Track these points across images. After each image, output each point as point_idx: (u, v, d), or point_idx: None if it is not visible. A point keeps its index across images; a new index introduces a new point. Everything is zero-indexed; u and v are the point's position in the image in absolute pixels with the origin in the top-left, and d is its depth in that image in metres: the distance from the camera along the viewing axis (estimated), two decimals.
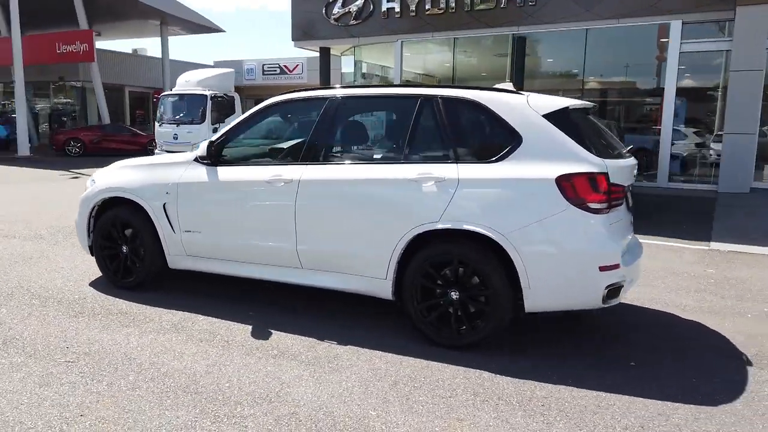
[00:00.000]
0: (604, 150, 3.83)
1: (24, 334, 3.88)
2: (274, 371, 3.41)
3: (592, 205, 3.54)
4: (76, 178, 14.13)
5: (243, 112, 7.89)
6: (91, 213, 5.01)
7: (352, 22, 15.88)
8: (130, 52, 33.88)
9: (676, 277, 5.73)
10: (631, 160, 4.07)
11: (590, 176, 3.53)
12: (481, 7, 14.20)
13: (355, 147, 4.32)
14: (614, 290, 3.60)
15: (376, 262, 3.94)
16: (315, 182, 4.12)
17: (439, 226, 3.72)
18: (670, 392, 3.24)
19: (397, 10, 15.15)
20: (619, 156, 3.96)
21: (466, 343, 3.75)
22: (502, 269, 3.61)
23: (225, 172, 4.45)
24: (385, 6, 15.30)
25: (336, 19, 16.14)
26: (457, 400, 3.11)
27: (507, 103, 3.80)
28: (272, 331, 4.04)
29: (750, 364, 3.67)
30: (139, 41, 34.95)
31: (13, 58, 19.70)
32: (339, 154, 4.27)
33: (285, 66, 30.98)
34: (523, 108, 3.74)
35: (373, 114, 4.45)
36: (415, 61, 16.72)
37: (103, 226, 4.93)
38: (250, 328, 4.09)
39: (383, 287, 3.97)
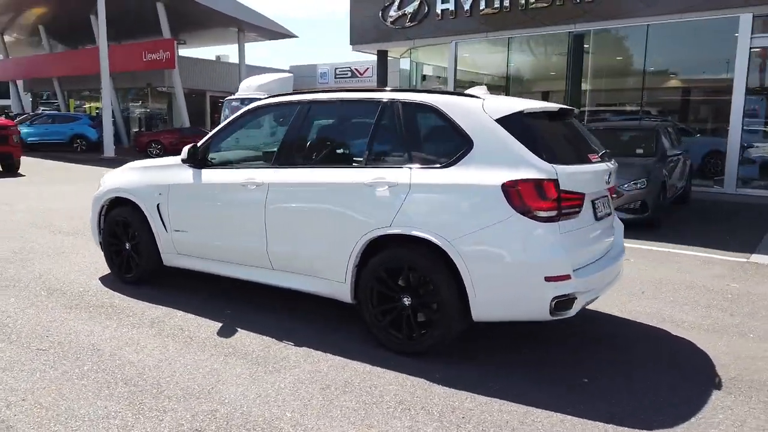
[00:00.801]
0: (564, 155, 3.66)
1: (17, 322, 4.23)
2: (218, 369, 3.53)
3: (539, 213, 3.39)
4: None
5: None
6: (100, 212, 5.37)
7: (408, 24, 15.93)
8: (214, 58, 35.71)
9: (690, 290, 5.34)
10: (601, 166, 3.86)
11: (537, 183, 3.39)
12: (537, 5, 13.80)
13: (322, 151, 4.37)
14: (564, 302, 3.43)
15: (336, 266, 3.97)
16: (282, 185, 4.21)
17: (391, 231, 3.70)
18: (610, 412, 3.05)
19: (452, 10, 15.04)
20: (584, 161, 3.77)
21: (416, 350, 3.70)
22: (450, 277, 3.54)
23: (208, 175, 4.64)
24: (439, 7, 15.22)
25: (392, 22, 16.24)
26: (380, 408, 3.09)
27: (461, 107, 3.72)
28: (239, 329, 4.17)
29: (719, 387, 3.38)
30: (222, 48, 36.54)
31: (100, 67, 21.25)
32: (306, 158, 4.33)
33: (356, 69, 31.48)
34: (477, 112, 3.64)
35: (339, 118, 4.47)
36: (470, 62, 16.51)
37: (109, 224, 5.28)
38: (219, 325, 4.23)
39: (343, 291, 3.99)
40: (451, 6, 15.02)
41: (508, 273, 3.44)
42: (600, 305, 4.85)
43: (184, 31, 31.35)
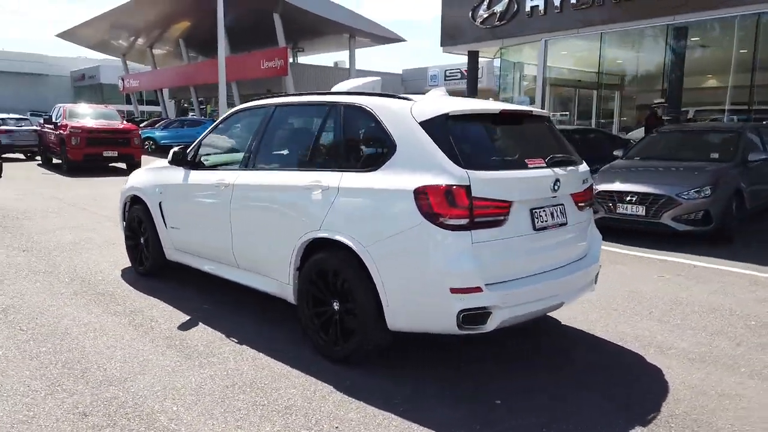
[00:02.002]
0: (489, 160, 3.44)
1: (23, 305, 4.75)
2: (151, 359, 3.72)
3: (448, 221, 3.19)
4: None
5: None
6: (124, 208, 5.88)
7: (497, 23, 15.50)
8: (332, 65, 37.24)
9: (709, 314, 4.70)
10: (543, 172, 3.54)
11: (447, 189, 3.19)
12: None
13: (277, 154, 4.43)
14: (475, 316, 3.20)
15: (281, 267, 4.03)
16: (243, 187, 4.34)
17: (320, 234, 3.68)
18: None
19: (541, 8, 14.40)
20: (518, 167, 3.48)
21: (339, 356, 3.64)
22: (366, 283, 3.44)
23: (194, 176, 4.90)
24: (528, 5, 14.65)
25: (481, 22, 15.90)
26: (264, 410, 3.09)
27: (390, 110, 3.60)
28: (200, 323, 4.36)
29: (645, 424, 2.96)
30: (340, 55, 37.95)
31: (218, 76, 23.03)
32: (265, 161, 4.42)
33: (465, 71, 31.12)
34: (404, 115, 3.51)
35: (295, 122, 4.50)
36: (561, 60, 15.68)
37: (128, 220, 5.76)
38: (186, 318, 4.46)
39: (288, 292, 4.03)
40: (540, 3, 14.39)
41: (416, 283, 3.28)
42: (585, 323, 4.45)
43: (302, 39, 33.07)
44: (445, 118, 3.43)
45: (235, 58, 29.85)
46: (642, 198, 7.30)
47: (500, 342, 4.02)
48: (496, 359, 3.80)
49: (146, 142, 27.26)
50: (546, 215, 3.58)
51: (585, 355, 3.91)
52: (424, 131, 3.38)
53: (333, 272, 3.63)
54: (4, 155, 18.15)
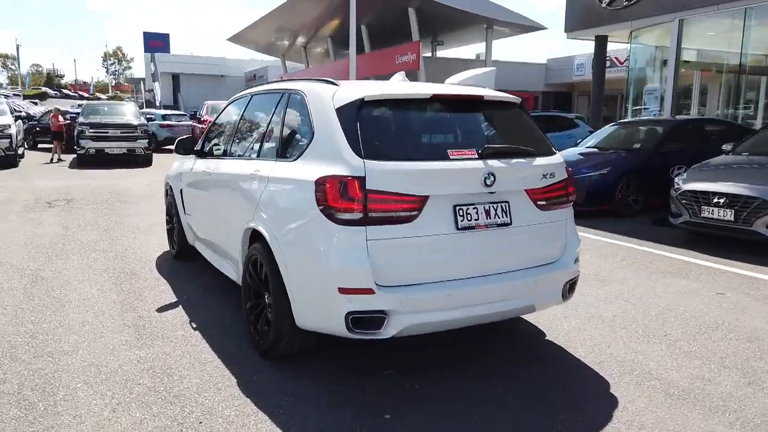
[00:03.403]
0: (400, 150, 3.10)
1: (52, 276, 5.27)
2: (105, 336, 3.89)
3: (340, 215, 2.92)
4: None
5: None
6: (165, 194, 6.29)
7: (624, 3, 14.03)
8: (474, 57, 36.56)
9: (740, 342, 3.82)
10: (471, 164, 3.10)
11: (341, 180, 2.92)
12: None
13: (244, 142, 4.38)
14: (366, 320, 2.90)
15: (237, 255, 4.01)
16: (217, 175, 4.41)
17: (251, 224, 3.60)
18: None
19: None
20: (439, 158, 3.07)
21: (262, 351, 3.53)
22: (279, 277, 3.28)
23: (198, 164, 5.07)
24: None
25: (607, 4, 14.50)
26: (152, 396, 3.06)
27: (316, 95, 3.39)
28: (180, 308, 4.48)
29: None
30: (481, 47, 37.17)
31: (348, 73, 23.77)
32: (236, 149, 4.40)
33: (615, 58, 28.65)
34: (326, 101, 3.27)
35: (259, 111, 4.36)
36: (696, 41, 13.75)
37: (167, 205, 6.15)
38: (173, 300, 4.64)
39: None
40: None
41: (311, 279, 3.06)
42: (572, 339, 3.86)
43: (441, 33, 32.89)
44: (360, 104, 3.14)
45: (372, 54, 30.59)
46: (731, 200, 6.14)
47: (450, 344, 3.63)
48: (426, 365, 3.43)
49: None
50: (476, 213, 3.13)
51: (534, 374, 3.37)
52: (337, 118, 3.14)
53: (260, 264, 3.53)
54: (164, 147, 20.54)
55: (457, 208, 3.08)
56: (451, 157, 3.11)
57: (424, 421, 2.84)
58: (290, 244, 3.17)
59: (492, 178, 3.11)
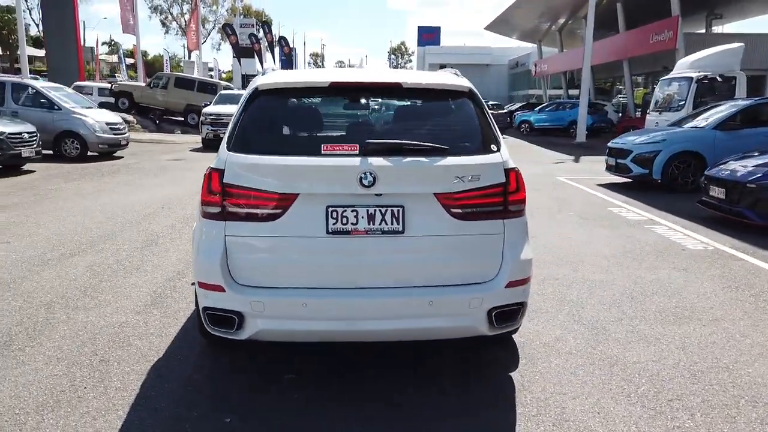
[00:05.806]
0: (271, 143, 2.91)
1: (85, 235, 6.07)
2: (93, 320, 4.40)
3: (204, 208, 2.92)
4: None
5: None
6: None
7: None
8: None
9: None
10: (347, 161, 2.74)
11: (210, 173, 2.89)
12: None
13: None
14: (220, 319, 2.83)
15: None
16: None
17: None
18: None
19: None
20: (313, 153, 2.76)
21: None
22: None
23: None
24: None
25: None
26: (79, 395, 3.13)
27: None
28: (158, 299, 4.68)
29: None
30: None
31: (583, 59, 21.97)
32: None
33: None
34: (248, 91, 3.22)
35: None
36: None
37: None
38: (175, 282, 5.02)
39: None
40: None
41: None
42: (538, 346, 3.15)
43: (720, 4, 28.12)
44: (255, 93, 3.03)
45: (626, 34, 27.67)
46: None
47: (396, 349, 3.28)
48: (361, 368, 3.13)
49: (522, 125, 28.32)
50: (355, 217, 2.75)
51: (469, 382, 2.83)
52: (239, 109, 3.09)
53: None
54: None
55: (331, 209, 2.76)
56: (323, 152, 2.79)
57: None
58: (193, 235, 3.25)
59: (370, 178, 2.70)
